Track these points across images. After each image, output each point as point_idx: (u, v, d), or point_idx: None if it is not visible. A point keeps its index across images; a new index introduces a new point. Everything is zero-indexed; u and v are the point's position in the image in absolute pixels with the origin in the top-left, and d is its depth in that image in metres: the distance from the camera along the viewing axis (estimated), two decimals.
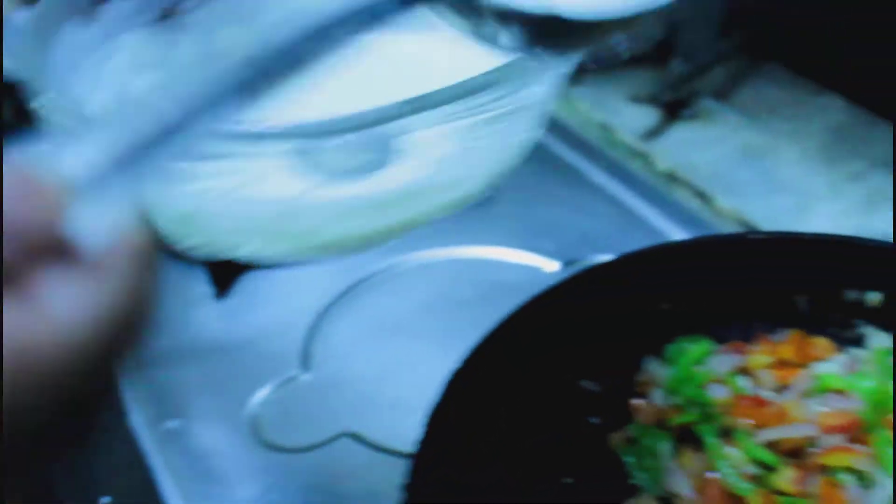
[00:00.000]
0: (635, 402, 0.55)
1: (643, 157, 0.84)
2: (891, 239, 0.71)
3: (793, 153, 0.84)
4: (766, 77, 0.93)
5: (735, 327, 0.57)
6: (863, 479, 0.49)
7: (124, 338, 0.25)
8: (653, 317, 0.56)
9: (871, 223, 0.77)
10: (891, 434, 0.50)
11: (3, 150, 0.24)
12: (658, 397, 0.54)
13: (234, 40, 0.39)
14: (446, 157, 0.33)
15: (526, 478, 0.51)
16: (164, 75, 0.37)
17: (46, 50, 0.36)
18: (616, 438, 0.53)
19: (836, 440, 0.50)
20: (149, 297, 0.25)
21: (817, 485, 0.49)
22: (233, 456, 0.57)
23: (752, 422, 0.52)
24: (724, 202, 0.79)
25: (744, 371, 0.55)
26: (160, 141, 0.26)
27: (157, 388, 0.61)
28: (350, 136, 0.29)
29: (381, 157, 0.30)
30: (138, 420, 0.60)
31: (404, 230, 0.37)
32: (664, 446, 0.52)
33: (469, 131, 0.32)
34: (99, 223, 0.25)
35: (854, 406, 0.52)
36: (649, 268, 0.56)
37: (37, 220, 0.24)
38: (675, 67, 0.89)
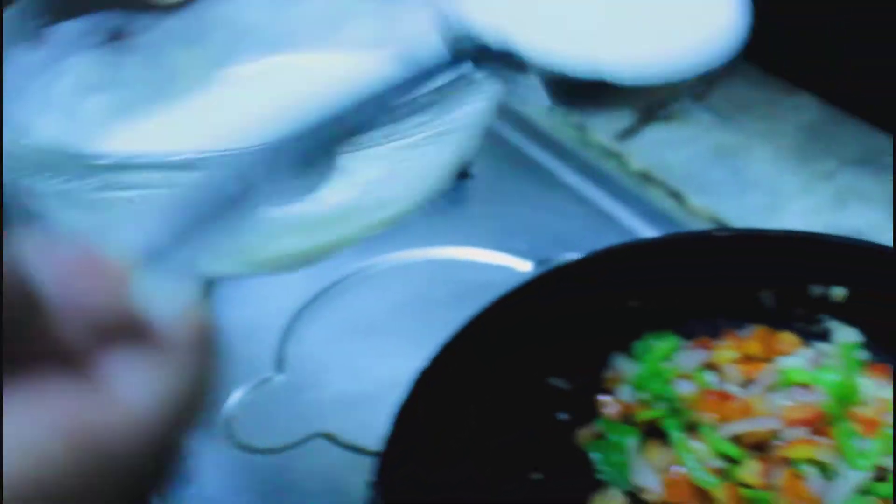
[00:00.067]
0: (602, 398, 0.55)
1: (617, 157, 0.85)
2: (861, 236, 0.71)
3: (766, 152, 0.85)
4: (739, 77, 0.93)
5: (702, 323, 0.57)
6: (825, 470, 0.50)
7: (189, 417, 0.24)
8: (620, 314, 0.57)
9: (842, 220, 0.78)
10: (853, 426, 0.51)
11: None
12: (625, 393, 0.55)
13: (184, 61, 0.40)
14: (374, 179, 0.33)
15: (494, 474, 0.51)
16: (114, 98, 0.37)
17: None
18: (583, 434, 0.54)
19: (800, 433, 0.51)
20: (212, 375, 0.25)
21: (781, 477, 0.50)
22: (207, 457, 0.58)
23: (718, 416, 0.52)
24: (698, 201, 0.80)
25: (710, 366, 0.56)
26: (219, 214, 0.26)
27: None
28: (277, 162, 0.29)
29: (309, 181, 0.31)
30: None
31: (340, 247, 0.37)
32: (631, 442, 0.53)
33: (398, 153, 0.33)
34: (163, 300, 0.24)
35: (818, 399, 0.53)
36: (616, 265, 0.57)
37: (103, 299, 0.23)
38: None
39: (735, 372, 0.55)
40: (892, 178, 0.79)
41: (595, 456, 0.53)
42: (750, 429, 0.52)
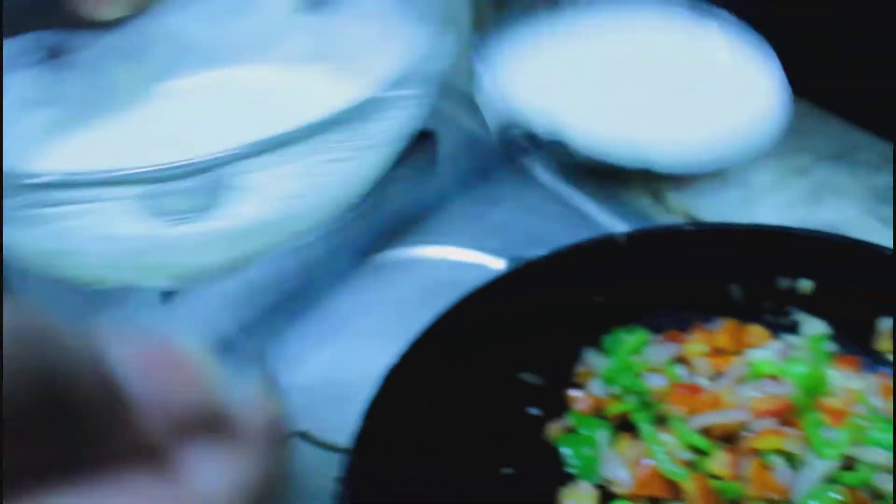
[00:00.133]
0: (572, 392, 0.56)
1: None
2: (836, 231, 0.72)
3: None
4: None
5: (671, 317, 0.58)
6: (792, 460, 0.50)
7: None
8: (590, 309, 0.57)
9: (816, 215, 0.79)
10: (821, 416, 0.52)
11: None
12: (596, 387, 0.55)
13: (123, 77, 0.41)
14: (291, 193, 0.34)
15: (464, 470, 0.52)
16: (52, 114, 0.37)
17: None
18: (553, 429, 0.54)
19: (768, 424, 0.52)
20: (283, 464, 0.26)
21: (749, 468, 0.50)
22: None
23: (687, 409, 0.53)
24: (674, 198, 0.80)
25: (680, 360, 0.56)
26: (285, 310, 0.27)
27: None
28: (188, 182, 0.30)
29: (221, 197, 0.31)
30: None
31: (262, 255, 0.38)
32: (602, 435, 0.53)
33: (316, 168, 0.33)
34: (236, 391, 0.25)
35: (787, 391, 0.53)
36: (586, 260, 0.57)
37: (182, 393, 0.24)
38: None
39: (705, 365, 0.56)
40: (866, 173, 0.79)
41: (566, 450, 0.54)
42: (719, 421, 0.52)
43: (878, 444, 0.50)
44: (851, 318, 0.56)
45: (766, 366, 0.54)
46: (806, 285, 0.57)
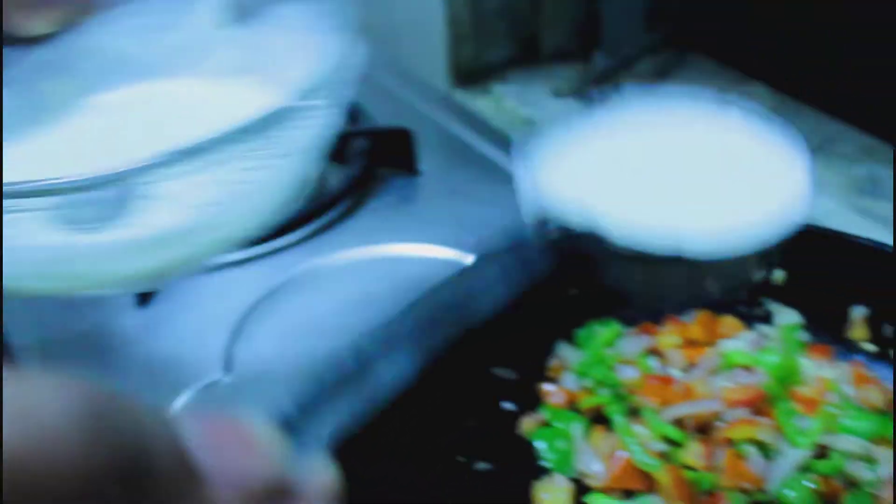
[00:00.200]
0: (546, 386, 0.55)
1: None
2: (814, 223, 0.72)
3: None
4: (691, 68, 0.94)
5: (644, 309, 0.58)
6: (766, 449, 0.50)
7: None
8: (563, 302, 0.57)
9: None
10: (794, 405, 0.52)
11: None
12: (569, 381, 0.55)
13: (53, 90, 0.41)
14: (207, 201, 0.34)
15: (440, 465, 0.51)
16: None
17: None
18: (528, 423, 0.54)
19: (741, 414, 0.51)
20: None
21: (723, 458, 0.50)
22: None
23: (660, 400, 0.53)
24: None
25: (653, 352, 0.56)
26: (342, 390, 0.31)
27: None
28: (96, 192, 0.30)
29: (131, 207, 0.31)
30: None
31: (189, 264, 0.38)
32: (576, 429, 0.53)
33: (231, 177, 0.34)
34: (300, 469, 0.28)
35: (760, 381, 0.53)
36: (557, 253, 0.57)
37: (253, 468, 0.26)
38: (599, 62, 0.90)
39: (678, 356, 0.56)
40: (844, 165, 0.79)
41: (540, 444, 0.53)
42: (692, 411, 0.52)
43: (851, 432, 0.50)
44: (824, 307, 0.56)
45: (738, 356, 0.54)
46: (778, 275, 0.57)
